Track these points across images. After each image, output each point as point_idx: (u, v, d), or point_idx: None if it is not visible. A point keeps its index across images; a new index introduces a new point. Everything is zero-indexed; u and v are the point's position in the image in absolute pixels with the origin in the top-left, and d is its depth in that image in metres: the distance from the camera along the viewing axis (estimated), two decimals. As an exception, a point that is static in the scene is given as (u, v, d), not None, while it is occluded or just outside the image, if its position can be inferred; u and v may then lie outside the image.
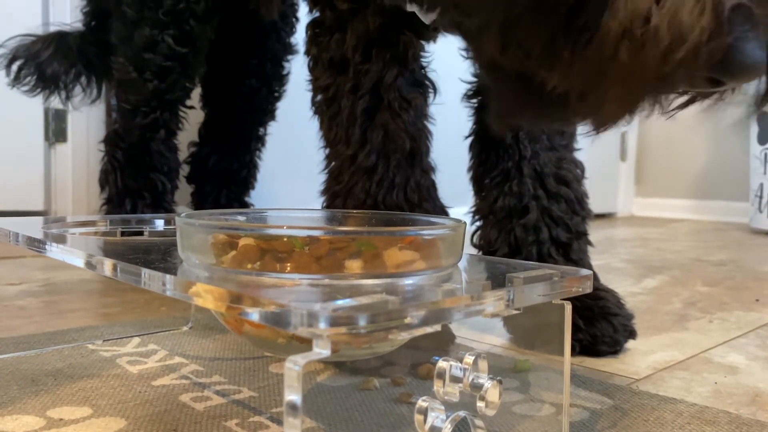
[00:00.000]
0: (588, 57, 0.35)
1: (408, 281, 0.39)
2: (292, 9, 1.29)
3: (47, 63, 1.15)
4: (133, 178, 1.12)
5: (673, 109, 0.41)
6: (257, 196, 1.42)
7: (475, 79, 0.78)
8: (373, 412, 0.51)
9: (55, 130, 1.66)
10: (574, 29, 0.36)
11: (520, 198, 0.72)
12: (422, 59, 0.72)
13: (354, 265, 0.39)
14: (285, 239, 0.40)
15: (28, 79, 1.15)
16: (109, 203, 1.16)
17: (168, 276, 0.37)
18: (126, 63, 1.08)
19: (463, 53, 0.78)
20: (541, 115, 0.45)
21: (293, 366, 0.28)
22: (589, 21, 0.35)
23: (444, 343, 0.69)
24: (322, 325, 0.28)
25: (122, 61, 1.09)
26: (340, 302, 0.29)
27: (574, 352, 0.69)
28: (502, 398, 0.38)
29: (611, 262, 1.47)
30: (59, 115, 1.65)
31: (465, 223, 0.45)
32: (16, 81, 1.15)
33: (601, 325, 0.69)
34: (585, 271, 0.42)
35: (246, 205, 1.38)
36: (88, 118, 1.63)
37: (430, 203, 0.69)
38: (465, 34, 0.48)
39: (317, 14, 0.72)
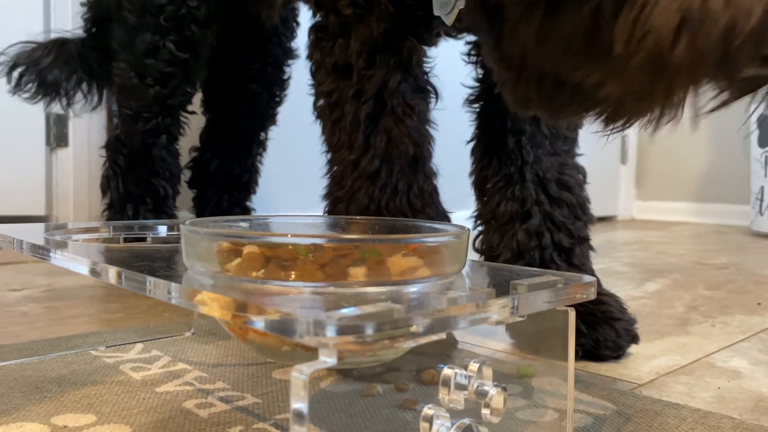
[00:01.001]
0: (638, 47, 0.34)
1: (412, 289, 0.39)
2: (293, 14, 1.29)
3: (48, 70, 1.15)
4: (135, 184, 1.12)
5: (715, 108, 0.39)
6: (258, 201, 1.42)
7: (477, 84, 0.79)
8: (377, 419, 0.51)
9: (57, 134, 1.67)
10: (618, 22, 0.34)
11: (523, 203, 0.72)
12: (425, 65, 0.72)
13: (358, 273, 0.39)
14: (289, 247, 0.40)
15: (29, 86, 1.15)
16: (111, 209, 1.16)
17: (173, 284, 0.37)
18: (127, 69, 1.08)
19: (465, 58, 0.79)
20: (563, 108, 0.43)
21: (299, 375, 0.28)
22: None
23: (447, 349, 0.69)
24: (329, 334, 0.28)
25: (123, 67, 1.09)
26: (346, 311, 0.29)
27: (577, 357, 0.69)
28: (506, 403, 0.38)
29: (612, 265, 1.47)
30: (60, 119, 1.65)
31: (469, 230, 0.45)
32: (17, 88, 1.15)
33: (604, 329, 0.69)
34: (589, 278, 0.42)
35: (247, 209, 1.38)
36: (89, 123, 1.63)
37: (432, 209, 0.69)
38: (484, 24, 0.47)
39: (320, 19, 0.72)
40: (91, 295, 1.02)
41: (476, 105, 0.78)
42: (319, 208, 0.75)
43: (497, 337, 0.77)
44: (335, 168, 0.72)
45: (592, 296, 0.42)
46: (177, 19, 1.05)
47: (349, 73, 0.69)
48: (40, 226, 0.74)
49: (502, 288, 0.39)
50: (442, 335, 0.32)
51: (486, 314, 0.35)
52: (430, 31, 0.71)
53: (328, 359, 0.29)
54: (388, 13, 0.66)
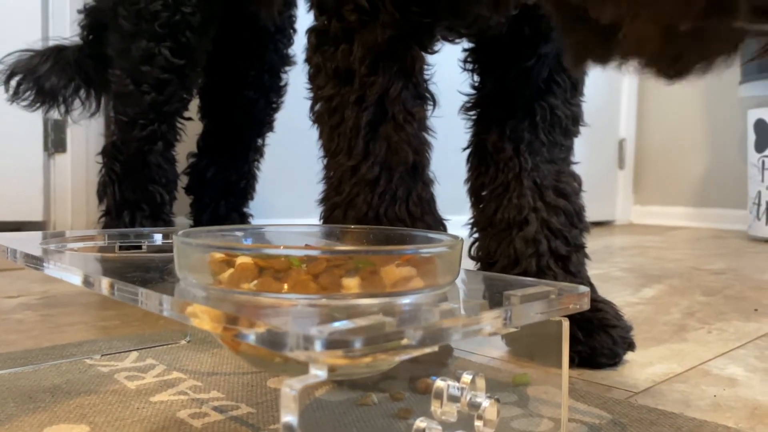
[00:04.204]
0: None
1: (405, 300, 0.39)
2: (290, 20, 1.29)
3: (45, 77, 1.15)
4: (132, 191, 1.12)
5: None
6: (255, 207, 1.42)
7: (473, 92, 0.79)
8: (372, 428, 0.51)
9: (55, 140, 1.67)
10: None
11: (520, 210, 0.72)
12: (425, 72, 0.72)
13: (351, 284, 0.39)
14: (282, 258, 0.40)
15: (27, 94, 1.15)
16: (108, 215, 1.16)
17: (165, 296, 0.37)
18: (123, 75, 1.08)
19: (462, 65, 0.79)
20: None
21: (289, 390, 0.28)
22: None
23: (442, 357, 0.69)
24: (318, 349, 0.28)
25: (119, 74, 1.09)
26: (337, 325, 0.29)
27: (573, 364, 0.69)
28: (501, 413, 0.38)
29: (610, 271, 1.47)
30: (58, 125, 1.65)
31: (462, 240, 0.45)
32: (15, 96, 1.15)
33: (600, 337, 0.69)
34: (582, 288, 0.42)
35: (245, 215, 1.38)
36: (87, 129, 1.64)
37: (430, 216, 0.69)
38: None
39: (321, 22, 0.71)
40: (87, 302, 1.01)
41: (472, 112, 0.78)
42: (314, 212, 0.75)
43: (493, 344, 0.77)
44: (333, 174, 0.72)
45: (586, 307, 0.41)
46: (172, 25, 1.05)
47: (351, 79, 0.68)
48: (37, 234, 0.74)
49: (495, 299, 0.39)
50: (435, 347, 0.32)
51: (479, 326, 0.35)
52: (432, 37, 0.71)
53: (318, 372, 0.29)
54: (394, 19, 0.66)
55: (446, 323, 0.33)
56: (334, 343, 0.27)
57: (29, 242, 0.61)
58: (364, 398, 0.57)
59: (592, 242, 0.77)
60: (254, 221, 1.42)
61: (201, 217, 1.35)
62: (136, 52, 1.06)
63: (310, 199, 0.82)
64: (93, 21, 1.18)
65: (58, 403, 0.56)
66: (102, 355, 0.71)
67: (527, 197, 0.72)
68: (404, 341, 0.30)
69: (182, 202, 1.32)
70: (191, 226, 1.25)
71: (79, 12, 1.21)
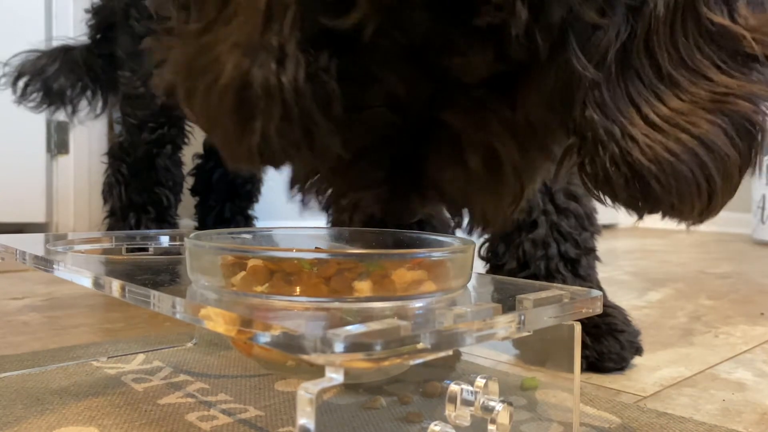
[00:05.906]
0: None
1: (418, 304, 0.39)
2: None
3: (53, 78, 1.15)
4: (138, 193, 1.12)
5: None
6: (260, 210, 1.42)
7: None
8: (382, 431, 0.51)
9: (58, 141, 1.67)
10: None
11: (529, 212, 0.71)
12: None
13: (363, 287, 0.39)
14: (294, 261, 0.40)
15: (34, 95, 1.15)
16: (113, 216, 1.16)
17: (178, 299, 0.36)
18: (133, 78, 1.08)
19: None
20: None
21: (305, 394, 0.28)
22: None
23: (450, 360, 0.69)
24: (338, 351, 0.28)
25: (129, 76, 1.09)
26: (352, 328, 0.29)
27: (581, 369, 0.68)
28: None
29: (615, 274, 1.47)
30: (61, 126, 1.65)
31: (474, 243, 0.45)
32: (23, 98, 1.15)
33: (608, 341, 0.69)
34: (595, 293, 0.42)
35: (249, 218, 1.38)
36: (90, 131, 1.64)
37: (438, 220, 0.69)
38: None
39: None
40: (92, 304, 1.01)
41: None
42: (321, 216, 0.75)
43: (501, 348, 0.77)
44: (339, 177, 0.72)
45: (599, 311, 0.41)
46: None
47: None
48: (41, 236, 0.74)
49: (507, 303, 0.38)
50: (449, 352, 0.32)
51: (493, 330, 0.34)
52: None
53: (334, 376, 0.29)
54: None
55: (461, 327, 0.33)
56: (353, 346, 0.27)
57: (32, 244, 0.61)
58: (372, 401, 0.56)
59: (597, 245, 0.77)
60: (259, 224, 1.42)
61: (206, 219, 1.35)
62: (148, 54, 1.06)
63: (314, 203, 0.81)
64: (101, 20, 1.18)
65: (67, 406, 0.55)
66: (108, 358, 0.71)
67: (537, 199, 0.71)
68: (419, 345, 0.30)
69: (187, 204, 1.32)
70: (196, 228, 1.25)
71: (87, 11, 1.21)
